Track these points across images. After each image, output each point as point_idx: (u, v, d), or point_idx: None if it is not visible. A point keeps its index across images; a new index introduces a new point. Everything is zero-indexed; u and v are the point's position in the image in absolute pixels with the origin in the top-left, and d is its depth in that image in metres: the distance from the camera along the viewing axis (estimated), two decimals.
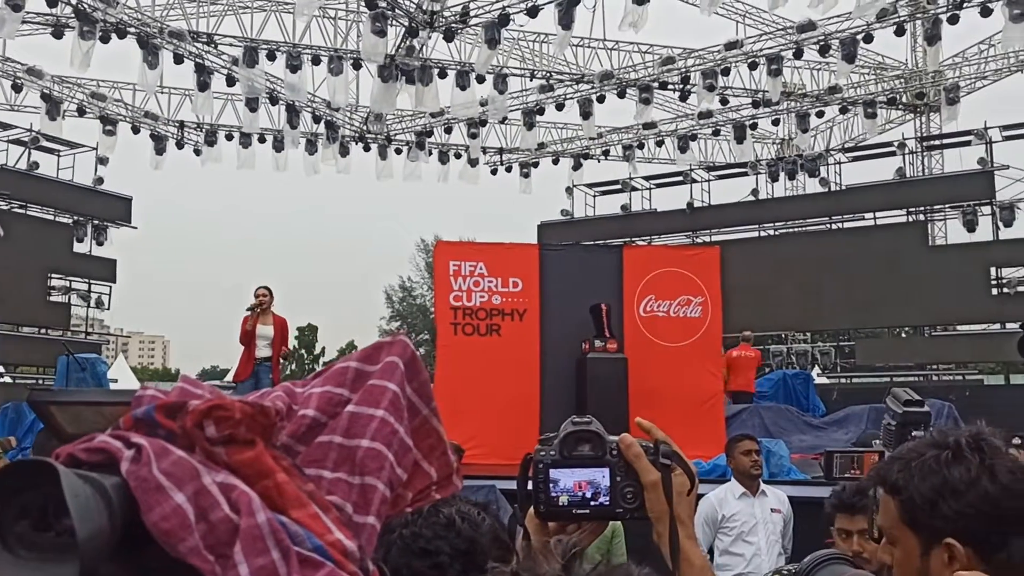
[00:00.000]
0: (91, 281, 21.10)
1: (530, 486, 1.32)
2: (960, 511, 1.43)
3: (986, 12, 16.39)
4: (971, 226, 19.28)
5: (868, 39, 17.54)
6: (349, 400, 0.81)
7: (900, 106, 23.17)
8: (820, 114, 22.00)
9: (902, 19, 17.48)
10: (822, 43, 18.13)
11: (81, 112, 20.68)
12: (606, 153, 25.05)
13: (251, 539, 0.61)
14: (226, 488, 0.62)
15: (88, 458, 0.61)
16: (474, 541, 1.59)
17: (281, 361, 10.73)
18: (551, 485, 1.29)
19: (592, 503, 1.29)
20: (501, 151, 24.62)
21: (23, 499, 0.54)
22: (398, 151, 23.37)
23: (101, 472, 0.59)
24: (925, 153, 22.30)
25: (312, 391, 0.82)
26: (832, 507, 3.36)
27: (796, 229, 21.91)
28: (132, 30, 17.28)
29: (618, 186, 24.54)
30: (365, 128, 22.94)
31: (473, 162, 23.90)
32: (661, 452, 1.29)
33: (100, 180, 21.48)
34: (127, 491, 0.58)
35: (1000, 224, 19.18)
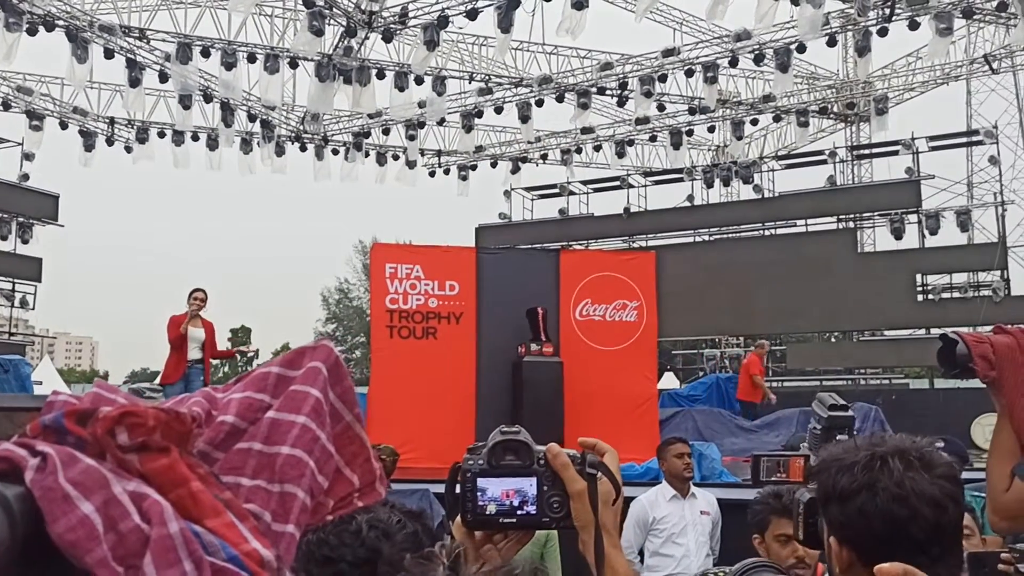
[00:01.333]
0: (15, 280, 20.46)
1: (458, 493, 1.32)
2: (839, 517, 1.50)
3: (914, 26, 16.86)
4: (898, 234, 19.78)
5: (801, 49, 17.90)
6: (270, 406, 0.80)
7: (831, 115, 23.74)
8: (754, 122, 22.40)
9: (834, 30, 17.89)
10: (757, 52, 18.46)
11: (6, 106, 20.06)
12: (544, 157, 25.18)
13: (163, 550, 0.59)
14: (137, 497, 0.61)
15: None
16: (378, 551, 1.57)
17: (212, 363, 10.56)
18: (479, 494, 1.29)
19: (519, 512, 1.30)
20: (439, 153, 24.55)
21: None
22: (335, 152, 23.15)
23: (3, 482, 0.57)
24: (855, 162, 22.89)
25: (232, 397, 0.80)
26: (771, 511, 3.24)
27: (730, 235, 22.25)
28: (61, 23, 16.82)
29: (556, 190, 24.66)
30: (302, 128, 22.67)
31: (411, 164, 23.80)
32: (588, 462, 1.30)
33: (26, 176, 20.86)
34: (31, 501, 0.56)
35: (926, 232, 19.73)
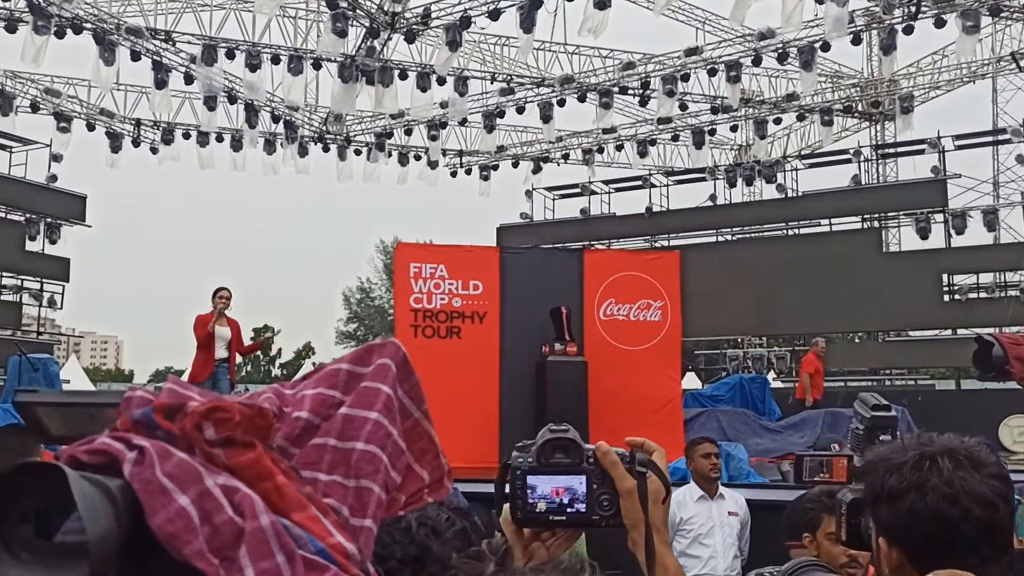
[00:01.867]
0: (43, 280, 20.67)
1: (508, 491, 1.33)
2: (888, 518, 1.49)
3: (940, 23, 16.72)
4: (924, 233, 19.62)
5: (826, 48, 17.79)
6: (342, 402, 0.81)
7: (856, 114, 23.57)
8: (778, 121, 22.28)
9: (859, 28, 17.76)
10: (780, 51, 18.37)
11: (35, 108, 20.28)
12: (566, 157, 25.17)
13: (256, 542, 0.60)
14: (229, 491, 0.62)
15: (90, 460, 0.60)
16: (427, 548, 1.59)
17: (238, 360, 10.66)
18: (528, 491, 1.30)
19: (568, 510, 1.30)
20: (461, 153, 24.60)
21: (25, 504, 0.53)
22: (357, 152, 23.25)
23: (103, 474, 0.59)
24: (880, 161, 22.71)
25: (304, 393, 0.82)
26: (823, 509, 3.14)
27: (753, 234, 22.14)
28: (88, 26, 16.98)
29: (577, 190, 24.63)
30: (324, 129, 22.78)
31: (433, 164, 23.85)
32: (637, 460, 1.30)
33: (54, 177, 21.08)
34: (131, 493, 0.58)
35: (952, 232, 19.56)
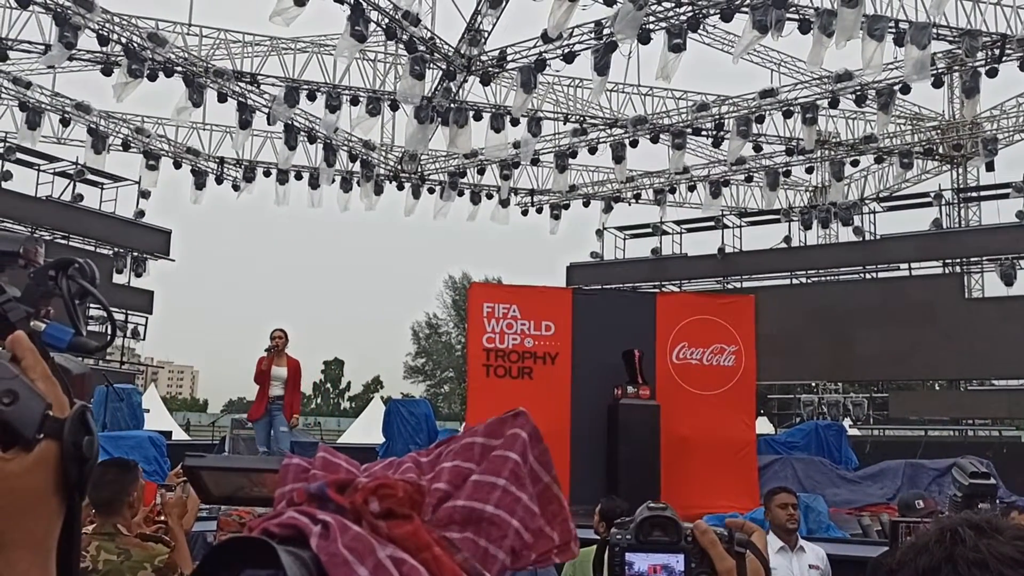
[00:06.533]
0: (128, 312, 21.37)
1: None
2: None
3: None
4: (1009, 280, 19.07)
5: (905, 90, 17.55)
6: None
7: (937, 157, 23.12)
8: (855, 163, 21.98)
9: (940, 71, 17.49)
10: (858, 93, 18.18)
11: (126, 146, 21.11)
12: (637, 196, 25.17)
13: None
14: (397, 562, 0.69)
15: (280, 532, 0.67)
16: None
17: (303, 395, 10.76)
18: (627, 567, 1.33)
19: None
20: (532, 192, 24.79)
21: (239, 573, 0.61)
22: (431, 190, 23.60)
23: (291, 545, 0.66)
24: (962, 205, 22.19)
25: (443, 466, 0.88)
26: None
27: (829, 278, 21.78)
28: (179, 69, 17.69)
29: (649, 229, 24.55)
30: (399, 167, 23.21)
31: (504, 203, 24.08)
32: (736, 540, 1.33)
33: (141, 213, 21.87)
34: (319, 564, 0.65)
35: None
